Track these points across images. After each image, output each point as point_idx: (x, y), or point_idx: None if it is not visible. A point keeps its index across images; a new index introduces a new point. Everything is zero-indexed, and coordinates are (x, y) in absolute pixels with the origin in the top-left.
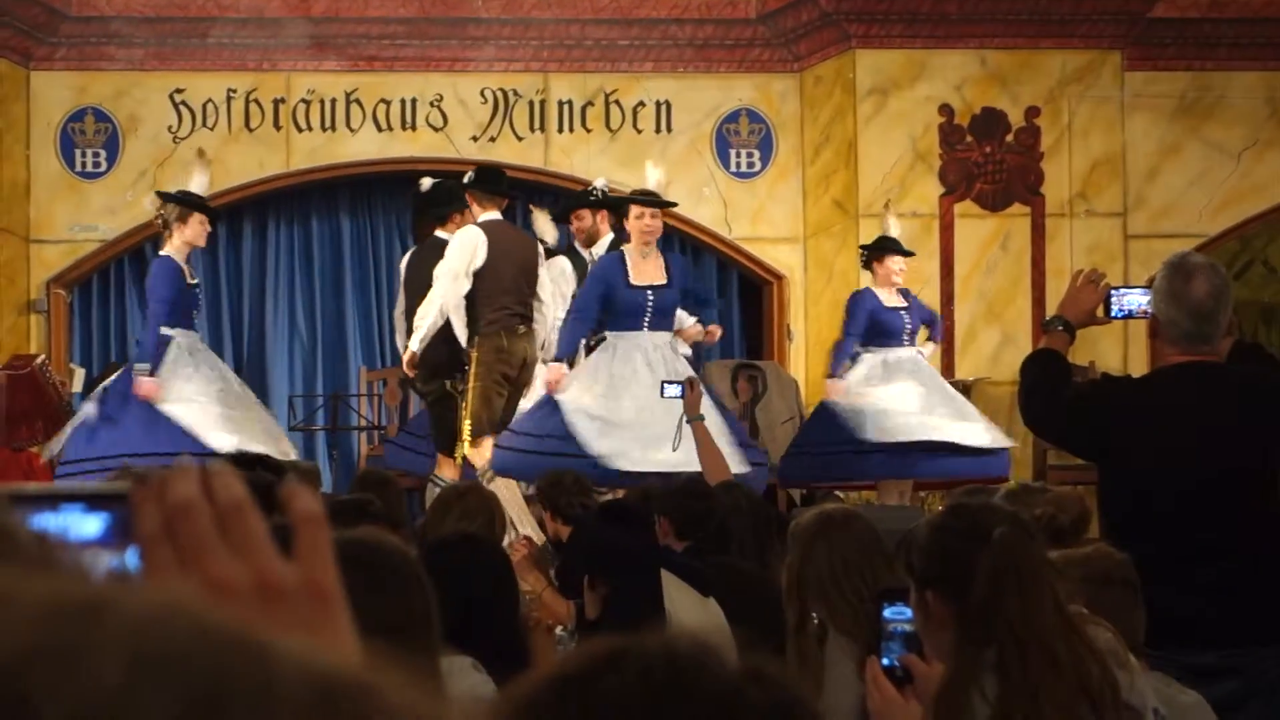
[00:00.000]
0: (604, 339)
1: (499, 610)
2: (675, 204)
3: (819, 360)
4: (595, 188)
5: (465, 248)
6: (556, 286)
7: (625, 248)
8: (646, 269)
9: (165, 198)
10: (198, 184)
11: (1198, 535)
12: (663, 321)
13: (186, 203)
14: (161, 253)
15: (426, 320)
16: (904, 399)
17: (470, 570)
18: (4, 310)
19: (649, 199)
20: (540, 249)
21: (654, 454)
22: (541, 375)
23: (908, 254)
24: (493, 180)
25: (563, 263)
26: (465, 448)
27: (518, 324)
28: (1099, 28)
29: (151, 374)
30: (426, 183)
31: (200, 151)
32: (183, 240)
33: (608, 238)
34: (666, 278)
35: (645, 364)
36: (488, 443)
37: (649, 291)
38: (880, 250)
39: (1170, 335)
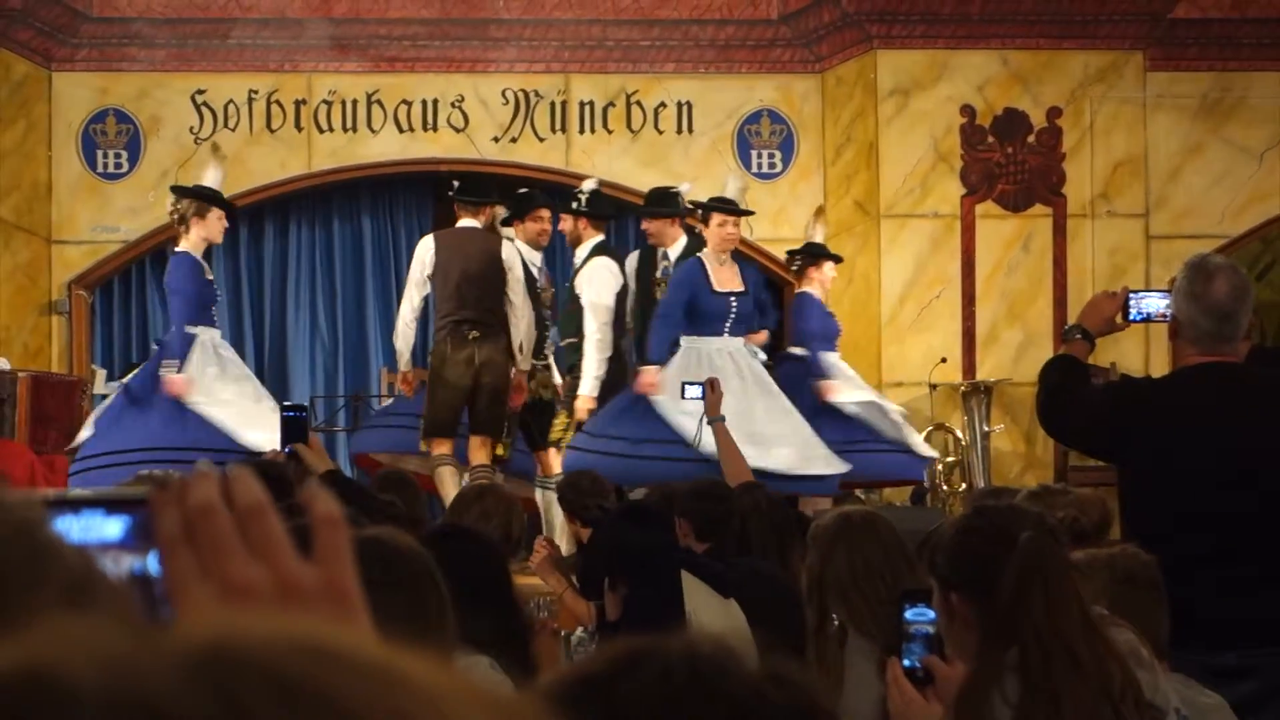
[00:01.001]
0: (678, 344)
1: (487, 605)
2: (753, 212)
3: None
4: (582, 191)
5: (416, 257)
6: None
7: (704, 254)
8: (725, 276)
9: (182, 192)
10: (212, 179)
11: (1218, 536)
12: (739, 328)
13: (204, 197)
14: (179, 249)
15: (396, 336)
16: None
17: (455, 564)
18: (26, 311)
19: (731, 207)
20: (508, 253)
21: (770, 453)
22: (585, 385)
23: (839, 259)
24: (474, 190)
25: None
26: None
27: (466, 330)
28: (1121, 28)
29: (179, 371)
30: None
31: (215, 146)
32: (200, 236)
33: (593, 241)
34: (744, 285)
35: (734, 369)
36: (442, 444)
37: (732, 298)
38: (816, 256)
39: (1190, 336)
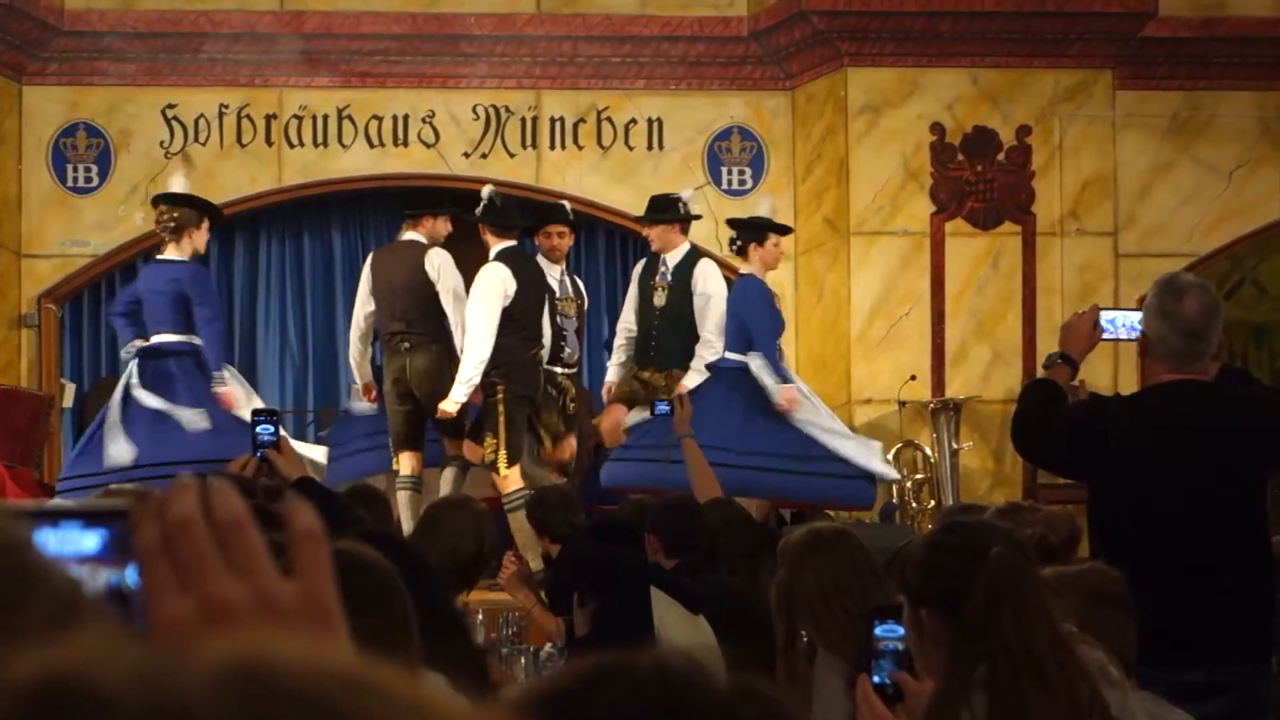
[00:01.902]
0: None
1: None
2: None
3: (809, 376)
4: (488, 194)
5: (362, 275)
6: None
7: (757, 273)
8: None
9: (177, 200)
10: (179, 186)
11: (1187, 553)
12: None
13: (199, 207)
14: (180, 258)
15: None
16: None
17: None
18: None
19: (786, 227)
20: (436, 261)
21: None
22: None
23: (788, 230)
24: (421, 202)
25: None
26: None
27: (398, 341)
28: (1091, 47)
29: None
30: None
31: (186, 156)
32: (192, 246)
33: (497, 248)
34: None
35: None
36: (404, 457)
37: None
38: (762, 230)
39: (1160, 353)
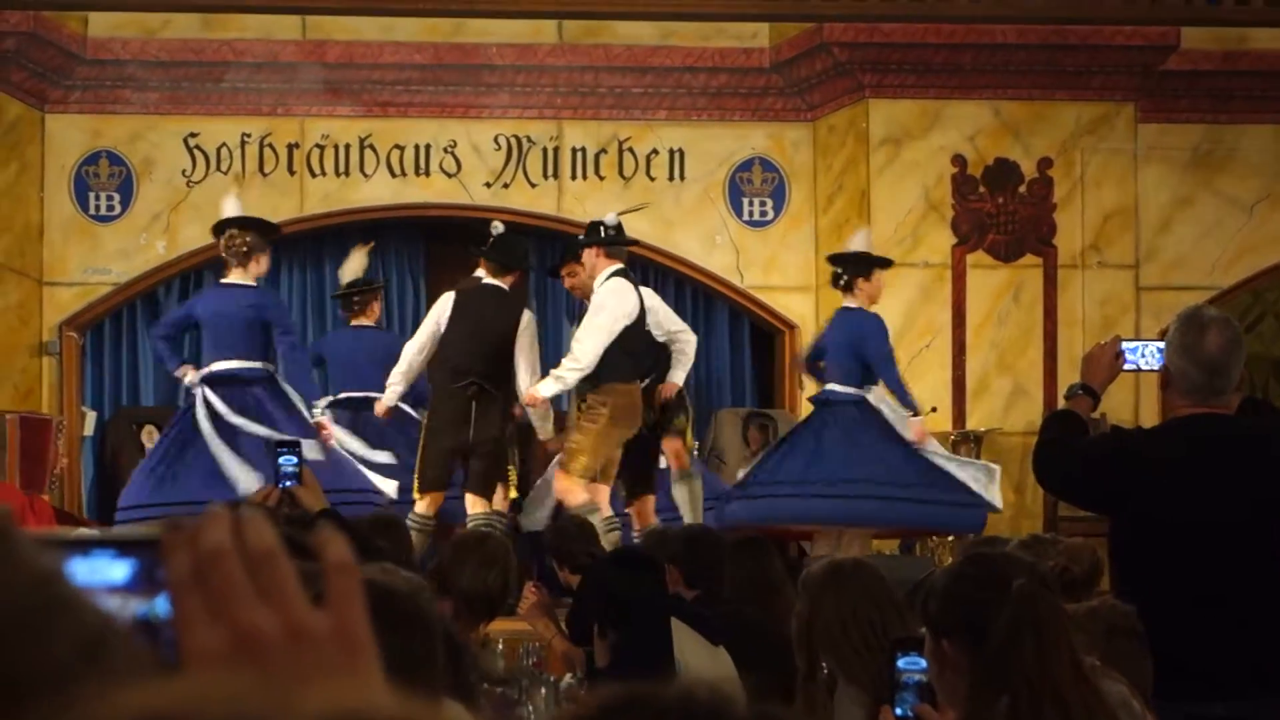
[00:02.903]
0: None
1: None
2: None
3: None
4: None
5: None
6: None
7: (864, 306)
8: None
9: (247, 224)
10: (234, 209)
11: (1207, 585)
12: None
13: (265, 231)
14: (249, 282)
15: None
16: None
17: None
18: (16, 352)
19: (887, 260)
20: (526, 316)
21: None
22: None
23: (890, 264)
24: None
25: None
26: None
27: (467, 386)
28: (1113, 80)
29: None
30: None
31: (236, 178)
32: (260, 270)
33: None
34: None
35: None
36: (430, 497)
37: None
38: (868, 265)
39: (1182, 388)
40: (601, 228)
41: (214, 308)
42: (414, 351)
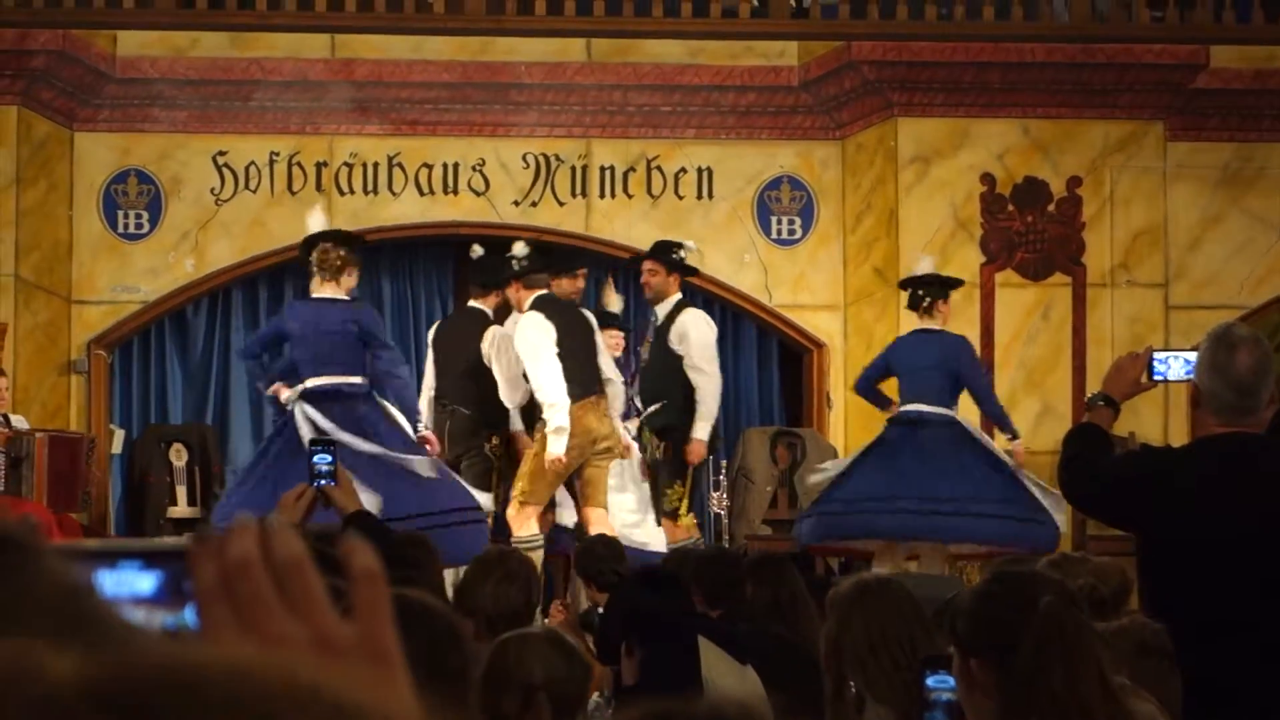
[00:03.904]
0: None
1: None
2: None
3: (858, 428)
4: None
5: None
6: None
7: (946, 328)
8: None
9: (344, 238)
10: (320, 223)
11: (1235, 606)
12: None
13: (363, 245)
14: (342, 296)
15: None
16: None
17: None
18: (45, 370)
19: (960, 280)
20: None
21: None
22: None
23: (961, 284)
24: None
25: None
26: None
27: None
28: (1142, 98)
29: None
30: (478, 250)
31: (316, 189)
32: (350, 284)
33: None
34: None
35: None
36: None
37: None
38: (948, 287)
39: (1212, 407)
40: (514, 261)
41: (311, 323)
42: (425, 387)
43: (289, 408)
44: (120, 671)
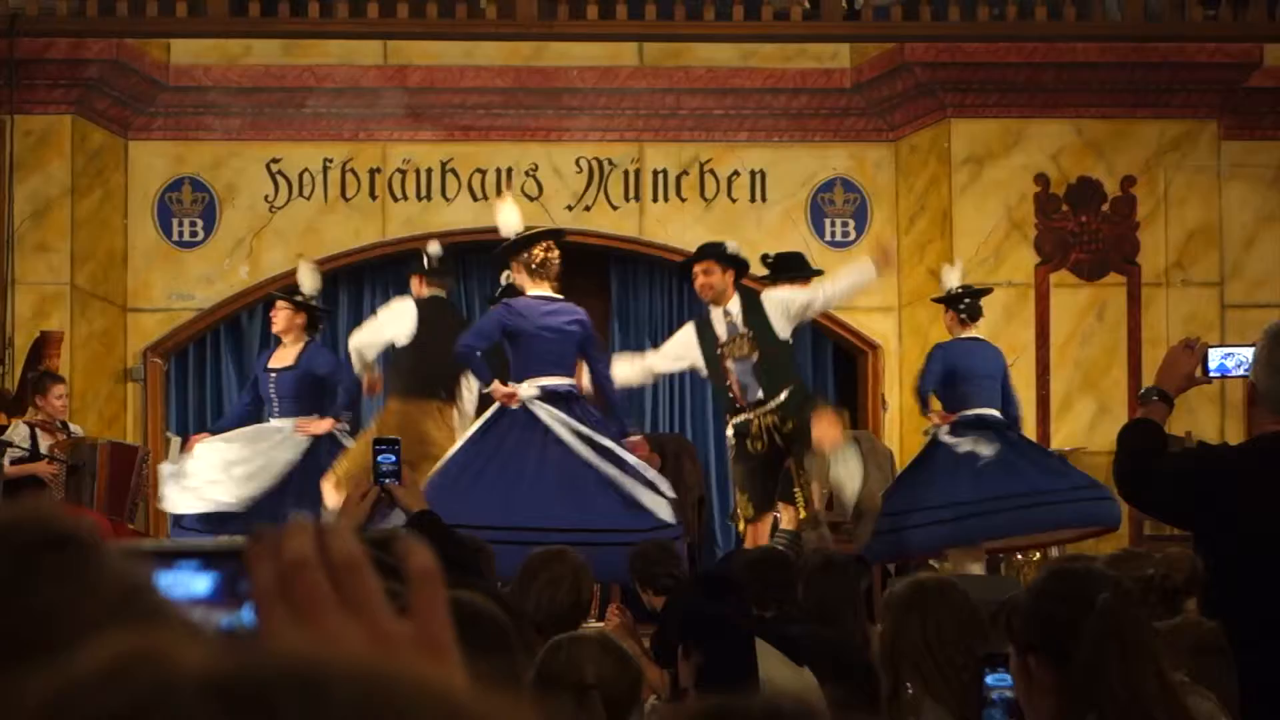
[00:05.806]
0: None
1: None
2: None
3: (914, 430)
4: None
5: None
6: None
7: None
8: None
9: (555, 236)
10: (518, 220)
11: None
12: None
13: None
14: (556, 295)
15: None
16: None
17: None
18: (101, 378)
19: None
20: None
21: None
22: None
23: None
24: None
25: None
26: None
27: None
28: (1195, 97)
29: None
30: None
31: (500, 190)
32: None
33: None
34: None
35: None
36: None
37: None
38: (980, 295)
39: (1270, 405)
40: (425, 257)
41: (542, 320)
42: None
43: (511, 407)
44: (247, 667)
